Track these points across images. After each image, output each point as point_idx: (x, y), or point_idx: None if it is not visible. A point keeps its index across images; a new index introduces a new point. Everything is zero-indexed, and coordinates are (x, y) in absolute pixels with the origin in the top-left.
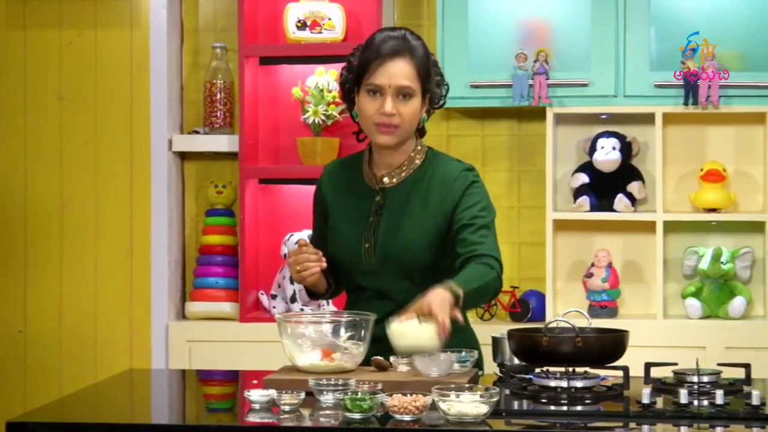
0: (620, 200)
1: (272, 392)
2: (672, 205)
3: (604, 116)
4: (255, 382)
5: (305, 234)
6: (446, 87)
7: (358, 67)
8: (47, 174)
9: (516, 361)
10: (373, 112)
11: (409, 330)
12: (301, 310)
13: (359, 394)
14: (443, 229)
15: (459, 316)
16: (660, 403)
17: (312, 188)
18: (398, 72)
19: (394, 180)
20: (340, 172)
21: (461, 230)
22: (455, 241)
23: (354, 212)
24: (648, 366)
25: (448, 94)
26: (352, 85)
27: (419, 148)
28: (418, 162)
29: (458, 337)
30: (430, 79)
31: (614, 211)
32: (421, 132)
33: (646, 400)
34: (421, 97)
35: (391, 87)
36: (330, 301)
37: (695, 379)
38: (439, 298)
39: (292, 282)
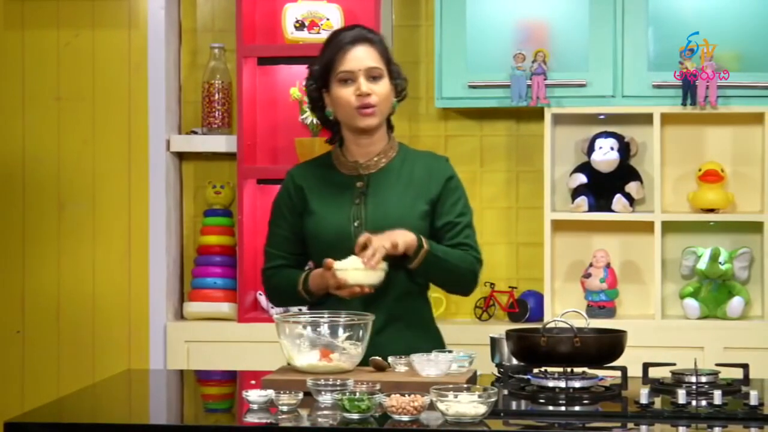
0: (618, 200)
1: (270, 392)
2: (670, 206)
3: (602, 116)
4: (253, 382)
5: None
6: (405, 79)
7: (322, 67)
8: (45, 174)
9: (514, 361)
10: (349, 97)
11: (347, 264)
12: (300, 310)
13: (357, 394)
14: (430, 209)
15: (397, 248)
16: (658, 403)
17: None
18: (364, 55)
19: (374, 167)
20: (309, 171)
21: (448, 228)
22: (441, 235)
23: (336, 198)
24: (646, 366)
25: (407, 88)
26: (319, 90)
27: (392, 141)
28: (393, 152)
29: (423, 337)
30: (391, 64)
31: (612, 211)
32: (388, 125)
33: (644, 400)
34: (389, 79)
35: (361, 70)
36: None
37: (693, 379)
38: (397, 232)
39: None
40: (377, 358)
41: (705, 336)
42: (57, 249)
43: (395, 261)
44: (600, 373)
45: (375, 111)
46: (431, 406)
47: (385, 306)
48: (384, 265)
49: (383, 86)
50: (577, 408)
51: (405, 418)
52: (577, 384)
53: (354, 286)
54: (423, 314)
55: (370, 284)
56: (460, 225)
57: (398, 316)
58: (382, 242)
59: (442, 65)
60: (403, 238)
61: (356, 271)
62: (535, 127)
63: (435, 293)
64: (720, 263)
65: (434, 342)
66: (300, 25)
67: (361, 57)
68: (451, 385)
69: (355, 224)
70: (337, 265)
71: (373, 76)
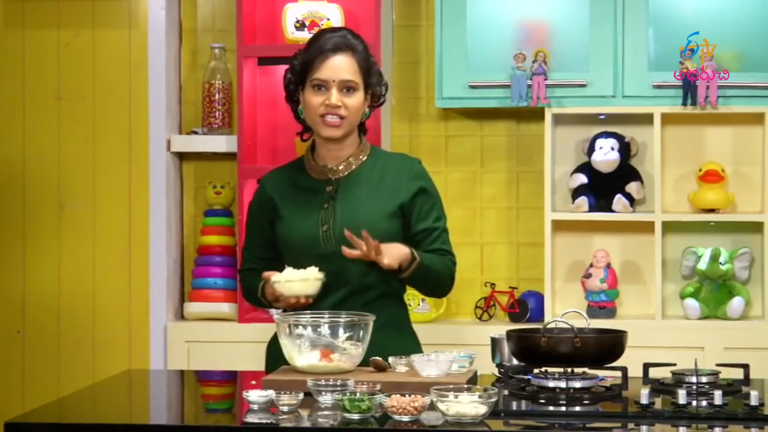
0: (619, 201)
1: (271, 393)
2: (670, 206)
3: (602, 117)
4: (253, 382)
5: None
6: (385, 86)
7: (301, 65)
8: (46, 174)
9: (514, 361)
10: (318, 104)
11: (281, 276)
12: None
13: (358, 394)
14: (398, 213)
15: (390, 264)
16: (658, 403)
17: None
18: (341, 66)
19: (344, 171)
20: (280, 177)
21: (426, 233)
22: (418, 240)
23: (306, 204)
24: (646, 366)
25: (387, 93)
26: (296, 85)
27: (363, 144)
28: (364, 156)
29: (397, 339)
30: (371, 75)
31: (613, 211)
32: (361, 128)
33: (644, 400)
34: (364, 92)
35: (335, 81)
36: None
37: (694, 379)
38: (393, 250)
39: None
40: (378, 358)
41: (705, 336)
42: (57, 249)
43: (380, 268)
44: (600, 373)
45: (341, 123)
46: (431, 407)
47: (359, 311)
48: (320, 276)
49: (356, 99)
50: (577, 408)
51: (405, 418)
52: (577, 384)
53: (290, 297)
54: (397, 317)
55: (306, 295)
56: (437, 231)
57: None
58: (381, 258)
59: (442, 65)
60: (399, 254)
61: (290, 282)
62: (535, 127)
63: None
64: (720, 263)
65: (409, 344)
66: (300, 25)
67: (337, 67)
68: (451, 386)
69: (323, 228)
70: (273, 278)
71: (347, 88)
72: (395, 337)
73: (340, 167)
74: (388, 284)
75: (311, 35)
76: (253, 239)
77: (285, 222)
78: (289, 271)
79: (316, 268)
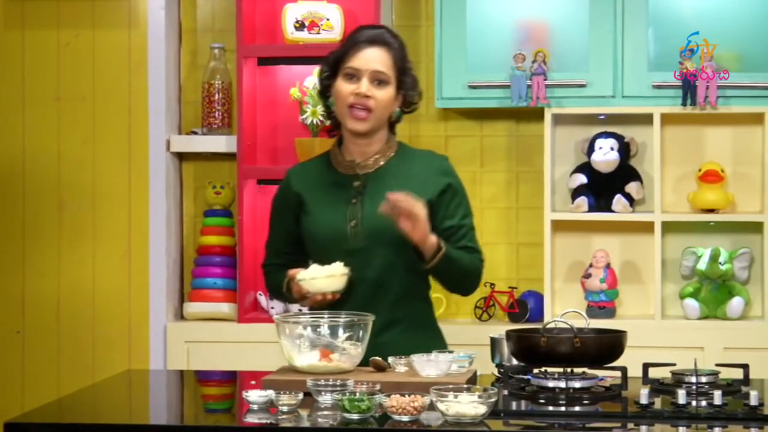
0: (618, 201)
1: (270, 393)
2: (670, 206)
3: (602, 117)
4: (253, 382)
5: None
6: (419, 94)
7: (336, 56)
8: (45, 174)
9: (514, 361)
10: (348, 93)
11: (306, 274)
12: (300, 310)
13: (357, 394)
14: (427, 207)
15: (419, 236)
16: (658, 403)
17: None
18: (374, 57)
19: (372, 167)
20: (308, 170)
21: (453, 231)
22: (445, 237)
23: (333, 199)
24: (646, 366)
25: (420, 101)
26: (330, 76)
27: (392, 141)
28: (392, 152)
29: (423, 338)
30: (405, 74)
31: (612, 211)
32: (392, 127)
33: (644, 400)
34: (396, 88)
35: (367, 71)
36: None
37: (693, 379)
38: (425, 224)
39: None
40: (377, 358)
41: (705, 336)
42: (57, 249)
43: (411, 262)
44: (600, 373)
45: (368, 116)
46: (431, 407)
47: (384, 308)
48: (346, 271)
49: (386, 93)
50: (577, 408)
51: (405, 418)
52: (577, 384)
53: (316, 295)
54: (423, 315)
55: (332, 291)
56: (464, 228)
57: (398, 319)
58: (416, 221)
59: (442, 65)
60: (428, 238)
61: (314, 279)
62: (535, 128)
63: (435, 293)
64: (720, 263)
65: (435, 343)
66: (300, 26)
67: (370, 58)
68: (451, 386)
69: (351, 224)
70: (298, 276)
71: (378, 80)
72: (421, 336)
73: (369, 162)
74: (413, 281)
75: (350, 32)
76: (276, 233)
77: (312, 217)
78: (314, 268)
79: (341, 263)
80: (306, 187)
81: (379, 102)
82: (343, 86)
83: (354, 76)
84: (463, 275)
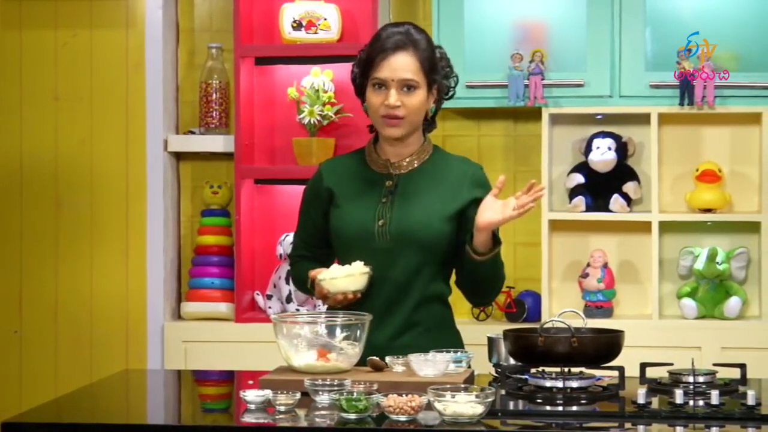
0: (616, 200)
1: (268, 392)
2: (667, 206)
3: (599, 116)
4: (251, 382)
5: None
6: (455, 78)
7: (364, 61)
8: (43, 174)
9: (512, 361)
10: (378, 105)
11: (326, 274)
12: (297, 310)
13: (355, 394)
14: (455, 216)
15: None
16: (655, 403)
17: None
18: (401, 65)
19: (406, 168)
20: (341, 165)
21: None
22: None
23: (364, 195)
24: (643, 366)
25: (457, 86)
26: (361, 80)
27: (426, 143)
28: (426, 155)
29: (440, 340)
30: (435, 71)
31: (610, 211)
32: (431, 125)
33: (641, 400)
34: (427, 89)
35: (394, 80)
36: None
37: (691, 379)
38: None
39: (287, 282)
40: (375, 358)
41: (702, 336)
42: (55, 249)
43: (435, 265)
44: (597, 373)
45: (400, 123)
46: (429, 406)
47: (406, 310)
48: (367, 270)
49: (416, 98)
50: (574, 408)
51: (402, 418)
52: (574, 384)
53: (336, 294)
54: (444, 318)
55: (353, 290)
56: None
57: (418, 321)
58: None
59: None
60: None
61: (335, 279)
62: (532, 127)
63: None
64: (717, 263)
65: (454, 346)
66: (297, 25)
67: (397, 67)
68: (448, 385)
69: (379, 223)
70: (319, 276)
71: (407, 86)
72: (440, 340)
73: (403, 163)
74: (436, 285)
75: (377, 32)
76: (305, 226)
77: (340, 212)
78: (335, 268)
79: (362, 263)
80: (338, 182)
81: (410, 108)
82: (374, 97)
83: (382, 86)
84: (496, 279)
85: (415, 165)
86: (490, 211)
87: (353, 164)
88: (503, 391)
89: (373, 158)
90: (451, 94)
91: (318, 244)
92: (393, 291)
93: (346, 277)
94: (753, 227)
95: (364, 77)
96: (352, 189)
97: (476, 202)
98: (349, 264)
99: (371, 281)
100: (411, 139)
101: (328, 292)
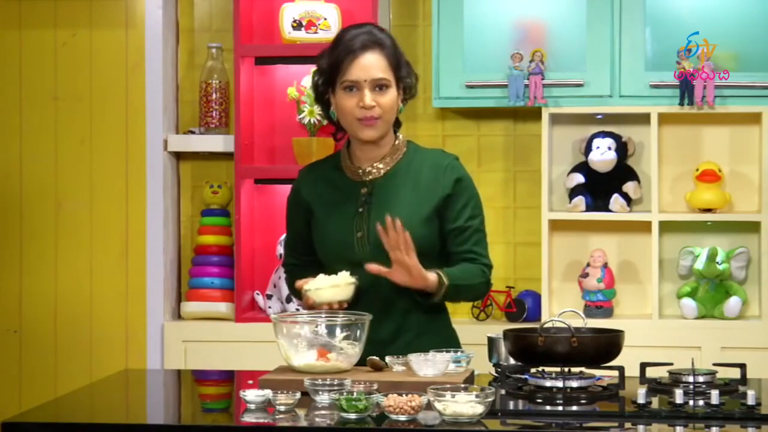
0: (616, 200)
1: (268, 392)
2: (667, 205)
3: (599, 116)
4: (250, 382)
5: None
6: (416, 76)
7: (329, 67)
8: (43, 174)
9: (511, 361)
10: (352, 107)
11: (312, 284)
12: (297, 310)
13: (355, 394)
14: (434, 215)
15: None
16: (655, 403)
17: None
18: (371, 65)
19: (380, 172)
20: (317, 173)
21: (456, 233)
22: (449, 240)
23: (340, 207)
24: (643, 366)
25: (417, 84)
26: (325, 87)
27: (399, 140)
28: (400, 154)
29: (439, 337)
30: (401, 69)
31: (610, 211)
32: (396, 124)
33: (641, 400)
34: (396, 87)
35: (367, 81)
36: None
37: (691, 379)
38: (419, 270)
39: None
40: (374, 357)
41: (702, 336)
42: (54, 248)
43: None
44: (597, 372)
45: (376, 123)
46: (428, 406)
47: (396, 317)
48: (352, 280)
49: (389, 96)
50: (574, 408)
51: (402, 417)
52: (574, 384)
53: (322, 305)
54: (437, 321)
55: (338, 300)
56: (468, 230)
57: (410, 326)
58: (404, 274)
59: (439, 65)
60: (419, 281)
61: (320, 290)
62: (532, 127)
63: None
64: (717, 263)
65: (446, 346)
66: (297, 25)
67: (368, 66)
68: (448, 385)
69: (358, 235)
70: (305, 286)
71: (379, 86)
72: (435, 341)
73: (375, 169)
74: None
75: (336, 36)
76: (291, 235)
77: (319, 225)
78: (320, 278)
79: (347, 273)
80: (314, 194)
81: (385, 107)
82: (346, 100)
83: (354, 87)
84: (470, 293)
85: (389, 167)
86: (398, 275)
87: (329, 172)
88: (503, 391)
89: (347, 165)
90: (413, 92)
91: (306, 252)
92: (380, 300)
93: (331, 287)
94: (753, 227)
95: (329, 84)
96: (328, 200)
97: (451, 192)
98: (335, 274)
99: (358, 291)
100: (383, 141)
101: (314, 303)
